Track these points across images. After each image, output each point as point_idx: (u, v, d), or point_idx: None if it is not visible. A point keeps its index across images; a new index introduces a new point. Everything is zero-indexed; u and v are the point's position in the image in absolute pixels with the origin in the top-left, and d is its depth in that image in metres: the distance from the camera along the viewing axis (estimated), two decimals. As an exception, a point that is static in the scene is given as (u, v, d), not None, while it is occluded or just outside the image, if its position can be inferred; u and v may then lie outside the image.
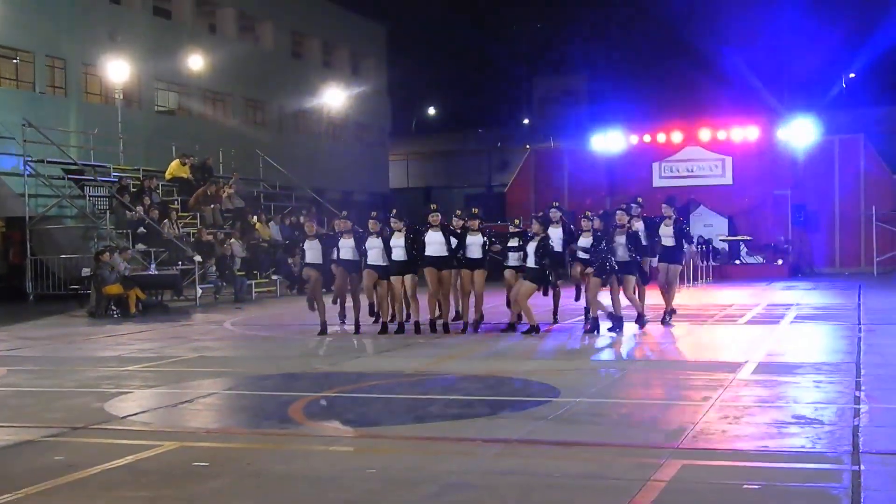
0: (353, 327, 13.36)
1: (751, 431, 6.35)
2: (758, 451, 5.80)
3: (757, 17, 40.73)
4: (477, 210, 13.06)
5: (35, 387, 9.10)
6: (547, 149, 33.89)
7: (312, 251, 13.13)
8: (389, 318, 13.07)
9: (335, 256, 13.15)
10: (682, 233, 13.39)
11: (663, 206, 13.43)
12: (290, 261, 22.56)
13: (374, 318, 13.61)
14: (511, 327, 12.77)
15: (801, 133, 28.28)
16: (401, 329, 12.91)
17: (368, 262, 12.81)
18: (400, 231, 12.69)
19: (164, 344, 12.76)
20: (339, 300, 13.94)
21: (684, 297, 19.75)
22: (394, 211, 13.21)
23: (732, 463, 5.55)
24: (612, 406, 7.43)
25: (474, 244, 12.62)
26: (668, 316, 13.35)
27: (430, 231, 12.68)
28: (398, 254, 12.64)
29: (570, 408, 7.29)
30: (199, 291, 19.97)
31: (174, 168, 25.25)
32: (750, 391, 7.95)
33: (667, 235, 13.18)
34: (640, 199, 13.57)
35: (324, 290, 13.55)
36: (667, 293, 13.35)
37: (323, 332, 13.08)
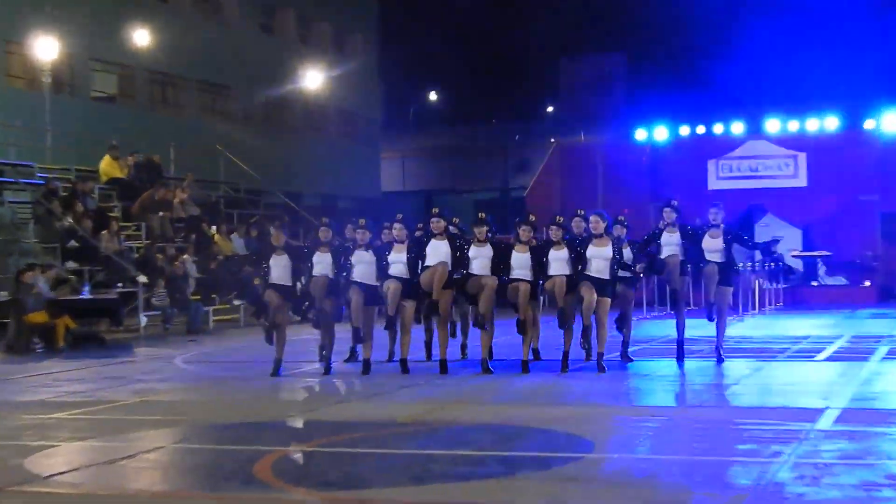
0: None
1: (834, 495, 6.32)
2: (844, 521, 5.76)
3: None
4: (484, 216, 12.94)
5: (-62, 439, 9.07)
6: (576, 144, 33.94)
7: (278, 269, 13.02)
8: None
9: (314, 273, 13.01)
10: (738, 243, 13.27)
11: (710, 210, 13.21)
12: (256, 282, 22.52)
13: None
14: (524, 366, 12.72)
15: (892, 124, 28.26)
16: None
17: (354, 279, 12.72)
18: (402, 243, 12.66)
19: (99, 385, 12.74)
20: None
21: (747, 326, 19.67)
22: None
23: (812, 535, 5.49)
24: (658, 464, 7.39)
25: (480, 257, 12.50)
26: (719, 350, 13.32)
27: (432, 241, 12.64)
28: (397, 270, 12.58)
29: (606, 466, 7.27)
30: (144, 320, 19.97)
31: (106, 165, 25.21)
32: (832, 445, 7.92)
33: (713, 249, 12.99)
34: (674, 203, 13.37)
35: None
36: (719, 323, 13.27)
37: (275, 373, 12.99)
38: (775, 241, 26.27)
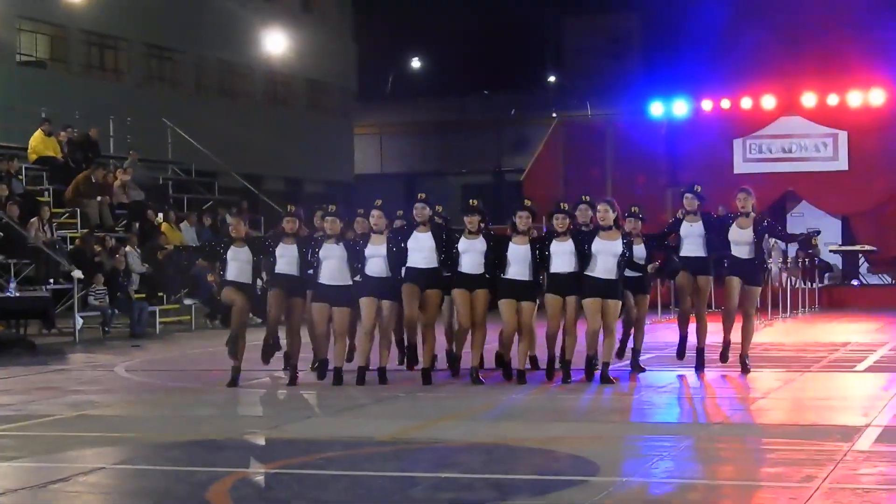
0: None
1: (873, 525, 6.39)
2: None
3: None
4: (476, 202, 12.90)
5: None
6: (582, 119, 33.97)
7: (238, 264, 13.00)
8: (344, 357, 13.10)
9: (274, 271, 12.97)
10: (771, 234, 13.28)
11: (739, 196, 13.19)
12: (210, 278, 22.54)
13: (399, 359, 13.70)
14: (521, 377, 12.72)
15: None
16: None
17: (321, 281, 12.67)
18: (380, 234, 12.60)
19: (28, 397, 12.72)
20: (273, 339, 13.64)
21: (777, 332, 19.73)
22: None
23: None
24: (675, 489, 7.44)
25: (471, 251, 12.55)
26: (744, 360, 13.40)
27: (414, 233, 12.63)
28: (375, 267, 12.56)
29: (614, 491, 7.29)
30: (80, 322, 19.94)
31: (37, 142, 25.11)
32: (872, 468, 7.98)
33: (741, 241, 13.04)
34: (697, 188, 13.34)
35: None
36: (740, 326, 13.34)
37: (233, 383, 12.94)
38: (815, 233, 26.24)
